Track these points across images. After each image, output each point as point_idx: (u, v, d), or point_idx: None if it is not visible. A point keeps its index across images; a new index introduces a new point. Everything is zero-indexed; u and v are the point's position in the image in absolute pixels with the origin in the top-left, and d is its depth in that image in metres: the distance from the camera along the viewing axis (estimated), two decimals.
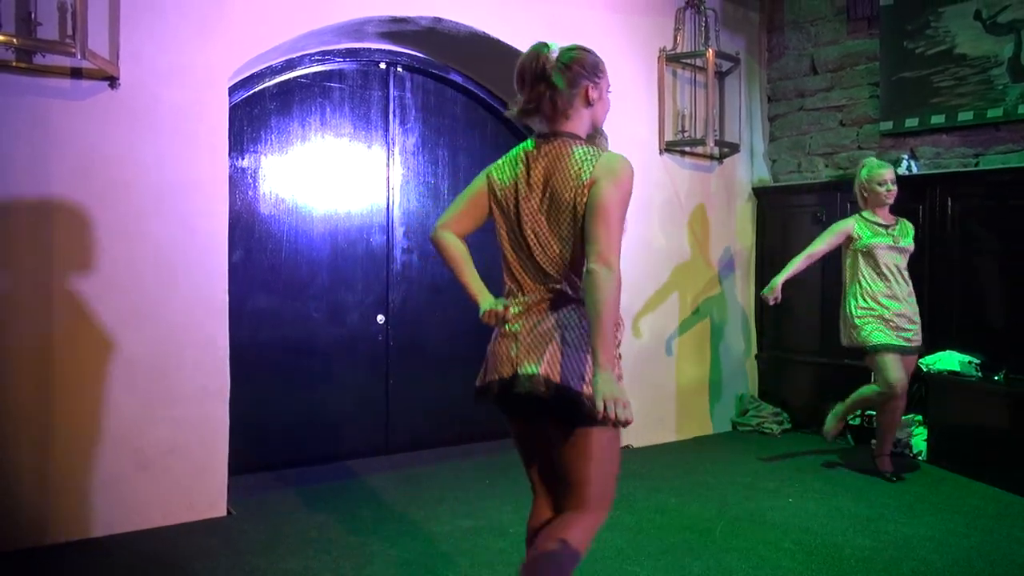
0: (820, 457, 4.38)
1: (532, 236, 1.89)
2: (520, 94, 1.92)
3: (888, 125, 4.88)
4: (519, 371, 1.83)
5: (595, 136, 2.08)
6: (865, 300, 3.89)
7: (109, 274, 3.07)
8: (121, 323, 3.09)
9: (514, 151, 1.99)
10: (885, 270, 3.88)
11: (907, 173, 4.70)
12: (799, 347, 5.16)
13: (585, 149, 1.87)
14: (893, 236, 3.92)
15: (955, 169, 4.62)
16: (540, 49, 1.89)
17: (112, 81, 3.04)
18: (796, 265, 4.00)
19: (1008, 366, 4.02)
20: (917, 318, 3.93)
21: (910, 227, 4.03)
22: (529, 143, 1.96)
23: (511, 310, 1.93)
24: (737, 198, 5.28)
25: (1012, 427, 3.77)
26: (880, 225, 3.93)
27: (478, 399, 1.97)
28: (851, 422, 4.75)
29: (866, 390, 3.94)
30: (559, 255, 1.86)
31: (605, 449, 1.85)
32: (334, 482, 3.83)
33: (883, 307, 3.86)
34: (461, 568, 2.79)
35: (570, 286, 1.87)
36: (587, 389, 1.77)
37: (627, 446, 4.57)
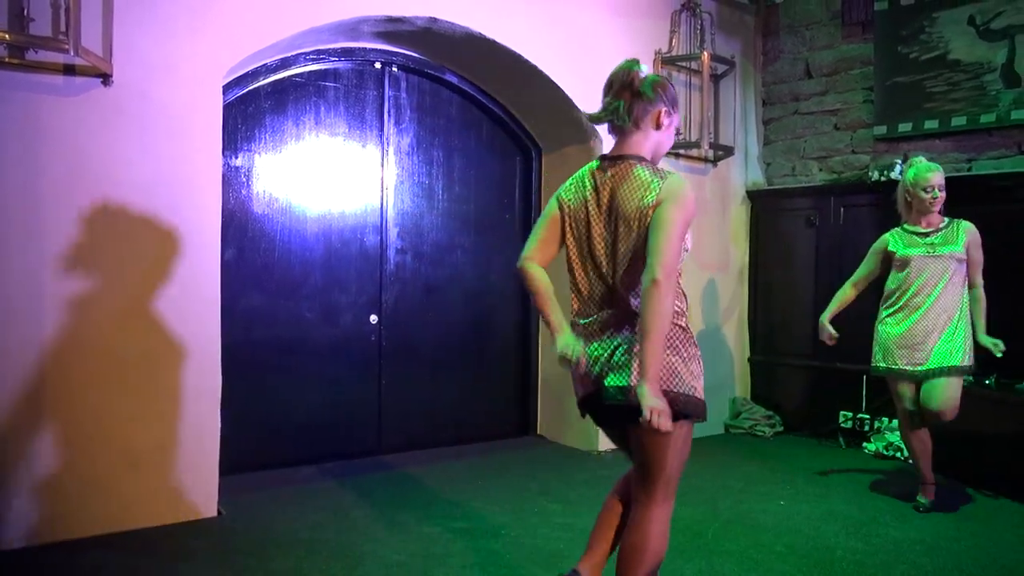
0: (812, 460, 4.39)
1: (601, 256, 2.03)
2: (604, 99, 2.10)
3: (882, 129, 4.90)
4: (605, 383, 2.00)
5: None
6: (880, 318, 3.60)
7: (100, 272, 3.05)
8: (111, 321, 3.08)
9: (581, 172, 2.13)
10: (916, 284, 3.47)
11: (900, 178, 4.71)
12: (792, 350, 5.17)
13: (650, 171, 2.00)
14: (930, 244, 3.50)
15: (948, 174, 4.63)
16: (632, 64, 2.08)
17: (105, 78, 3.02)
18: (843, 298, 3.72)
19: (999, 371, 4.03)
20: (948, 337, 3.45)
21: (962, 229, 3.54)
22: (595, 163, 2.09)
23: (580, 323, 2.12)
24: (731, 201, 5.29)
25: (1003, 432, 3.79)
26: (918, 234, 3.55)
27: (581, 409, 2.18)
28: (842, 425, 4.77)
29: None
30: (626, 273, 2.00)
31: (680, 444, 2.02)
32: (326, 482, 3.82)
33: (887, 326, 3.54)
34: (453, 569, 2.79)
35: (637, 302, 1.99)
36: (692, 393, 1.98)
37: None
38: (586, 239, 2.06)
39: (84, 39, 2.85)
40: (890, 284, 3.59)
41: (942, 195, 3.52)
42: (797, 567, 2.85)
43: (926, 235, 3.53)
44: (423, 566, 2.81)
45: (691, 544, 3.06)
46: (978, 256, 3.55)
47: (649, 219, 1.93)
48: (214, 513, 3.30)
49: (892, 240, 3.61)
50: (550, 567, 2.81)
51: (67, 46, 2.75)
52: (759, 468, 4.24)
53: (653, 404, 1.81)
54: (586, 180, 2.08)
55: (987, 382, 3.99)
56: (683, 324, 2.03)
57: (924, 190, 3.49)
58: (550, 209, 2.17)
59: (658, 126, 2.07)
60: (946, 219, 3.57)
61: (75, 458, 3.01)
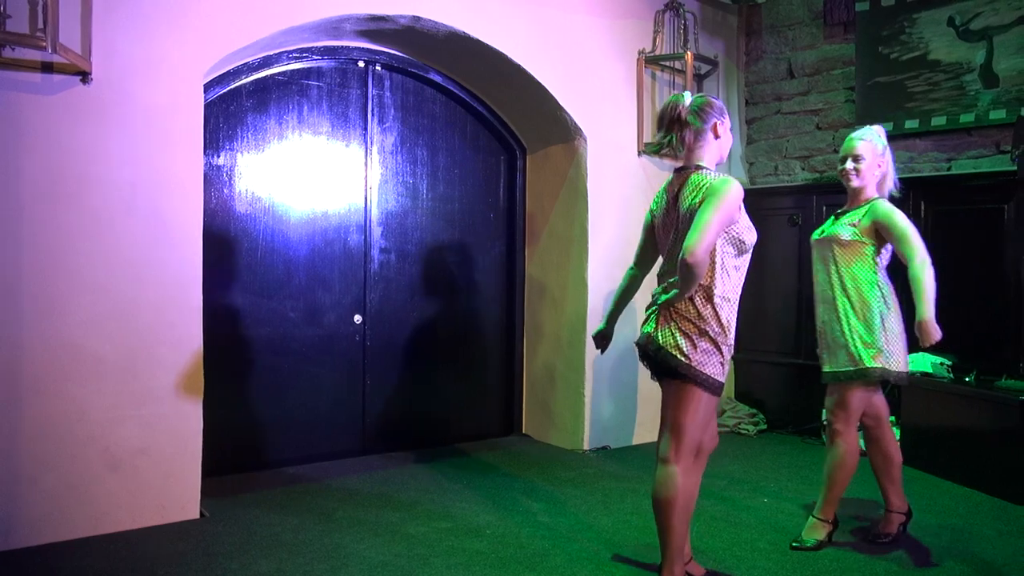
0: (795, 458, 4.42)
1: (671, 242, 2.53)
2: (658, 133, 2.55)
3: None
4: (642, 329, 2.56)
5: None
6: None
7: (79, 272, 3.02)
8: (91, 322, 3.04)
9: (664, 184, 2.65)
10: (815, 270, 3.12)
11: None
12: (775, 349, 5.20)
13: (702, 175, 2.45)
14: (824, 227, 3.13)
15: (928, 173, 4.69)
16: (678, 99, 2.51)
17: (84, 76, 2.99)
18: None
19: (979, 368, 4.08)
20: (838, 337, 2.99)
21: (864, 211, 3.01)
22: (671, 177, 2.60)
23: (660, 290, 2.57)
24: None
25: (982, 428, 3.83)
26: (837, 215, 3.13)
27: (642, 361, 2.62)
28: (825, 423, 4.80)
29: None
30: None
31: (697, 405, 2.44)
32: (309, 484, 3.80)
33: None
34: (437, 569, 2.78)
35: (700, 291, 2.44)
36: (682, 356, 2.40)
37: (605, 447, 4.58)
38: (662, 230, 2.58)
39: (62, 36, 2.82)
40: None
41: (853, 167, 3.01)
42: (780, 564, 2.87)
43: (836, 216, 3.11)
44: (407, 566, 2.80)
45: None
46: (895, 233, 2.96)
47: (695, 212, 2.37)
48: (196, 515, 3.28)
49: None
50: (535, 566, 2.81)
51: (44, 43, 2.72)
52: (743, 466, 4.26)
53: (655, 340, 2.42)
54: (664, 189, 2.60)
55: (967, 379, 4.04)
56: (712, 307, 2.40)
57: (840, 160, 3.09)
58: (645, 222, 2.74)
59: (716, 136, 2.51)
60: (869, 203, 3.03)
61: (54, 460, 2.97)
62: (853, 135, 3.10)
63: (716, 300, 2.41)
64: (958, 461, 3.95)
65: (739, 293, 2.50)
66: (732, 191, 2.37)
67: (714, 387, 2.46)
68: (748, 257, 2.52)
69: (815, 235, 3.15)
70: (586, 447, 4.55)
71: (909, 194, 4.63)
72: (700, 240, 2.28)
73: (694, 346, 2.40)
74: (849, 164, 3.05)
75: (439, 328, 4.60)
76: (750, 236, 2.46)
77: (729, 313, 2.46)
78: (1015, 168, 4.04)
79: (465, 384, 4.73)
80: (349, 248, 4.26)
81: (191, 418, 3.28)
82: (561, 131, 4.61)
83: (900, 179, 4.97)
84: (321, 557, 2.88)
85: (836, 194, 4.95)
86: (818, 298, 3.10)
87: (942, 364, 4.20)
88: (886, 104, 4.83)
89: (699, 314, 2.41)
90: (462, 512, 3.41)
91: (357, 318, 4.28)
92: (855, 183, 3.05)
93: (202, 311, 3.32)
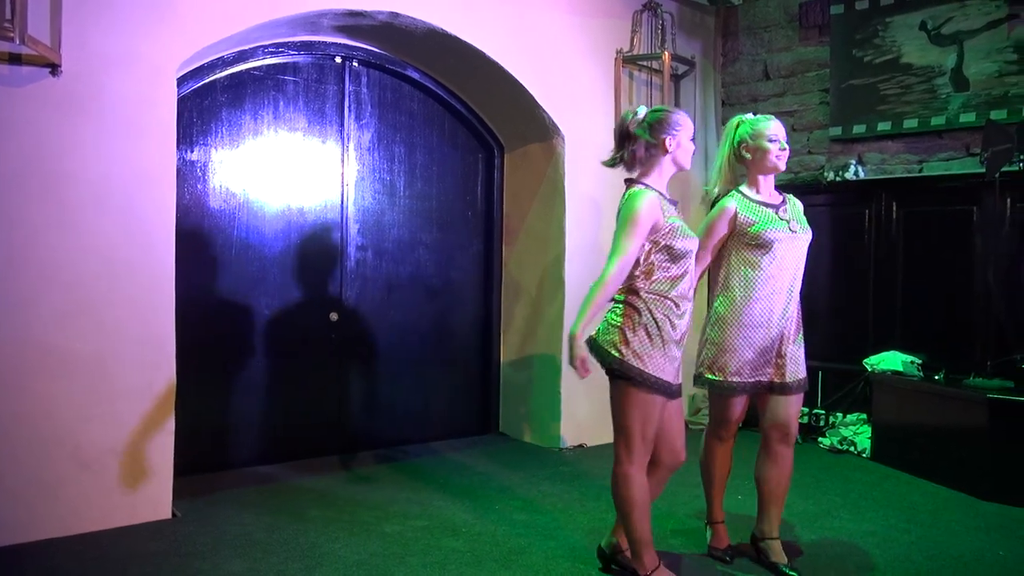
0: None
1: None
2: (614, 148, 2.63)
3: (837, 131, 5.00)
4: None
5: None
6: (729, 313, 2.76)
7: (48, 268, 2.96)
8: (61, 319, 2.99)
9: None
10: (782, 272, 2.71)
11: (854, 178, 4.83)
12: None
13: (629, 191, 2.54)
14: (789, 221, 2.75)
15: (900, 175, 4.76)
16: (626, 115, 2.59)
17: (54, 68, 2.93)
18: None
19: (948, 366, 4.15)
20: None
21: (799, 205, 2.86)
22: None
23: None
24: (691, 200, 5.34)
25: (951, 425, 3.90)
26: (767, 205, 2.75)
27: None
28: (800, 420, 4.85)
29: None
30: None
31: (633, 403, 2.45)
32: (283, 483, 3.76)
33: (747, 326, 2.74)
34: (413, 568, 2.77)
35: (624, 288, 2.53)
36: (615, 351, 2.45)
37: (581, 445, 4.60)
38: None
39: (31, 28, 2.76)
40: (745, 271, 2.75)
41: (788, 149, 2.78)
42: (755, 560, 2.89)
43: (776, 208, 2.76)
44: (382, 565, 2.79)
45: None
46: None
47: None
48: (168, 515, 3.23)
49: (741, 206, 2.75)
50: (510, 564, 2.82)
51: (12, 34, 2.66)
52: None
53: (577, 352, 2.43)
54: None
55: (936, 378, 4.10)
56: (645, 305, 2.45)
57: (770, 140, 2.71)
58: None
59: (666, 151, 2.53)
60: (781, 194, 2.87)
61: (23, 459, 2.91)
62: (769, 116, 2.80)
63: (645, 296, 2.45)
64: (927, 458, 4.01)
65: (687, 294, 2.51)
66: (637, 207, 2.43)
67: (654, 385, 2.45)
68: (689, 261, 2.51)
69: (781, 228, 2.71)
70: (562, 445, 4.56)
71: (882, 195, 4.70)
72: (609, 266, 2.43)
73: (626, 342, 2.43)
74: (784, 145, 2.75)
75: (416, 326, 4.58)
76: (682, 243, 2.48)
77: (668, 311, 2.46)
78: (984, 171, 4.11)
79: (442, 382, 4.72)
80: (325, 245, 4.23)
81: (163, 416, 3.23)
82: (539, 130, 4.61)
83: (873, 180, 5.01)
84: (295, 556, 2.86)
85: (812, 194, 5.01)
86: (784, 297, 2.74)
87: (912, 362, 4.26)
88: (860, 106, 4.89)
89: (636, 309, 2.45)
90: (438, 510, 3.40)
91: (333, 316, 4.25)
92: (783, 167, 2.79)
93: (175, 308, 3.27)
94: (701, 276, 2.83)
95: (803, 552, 2.99)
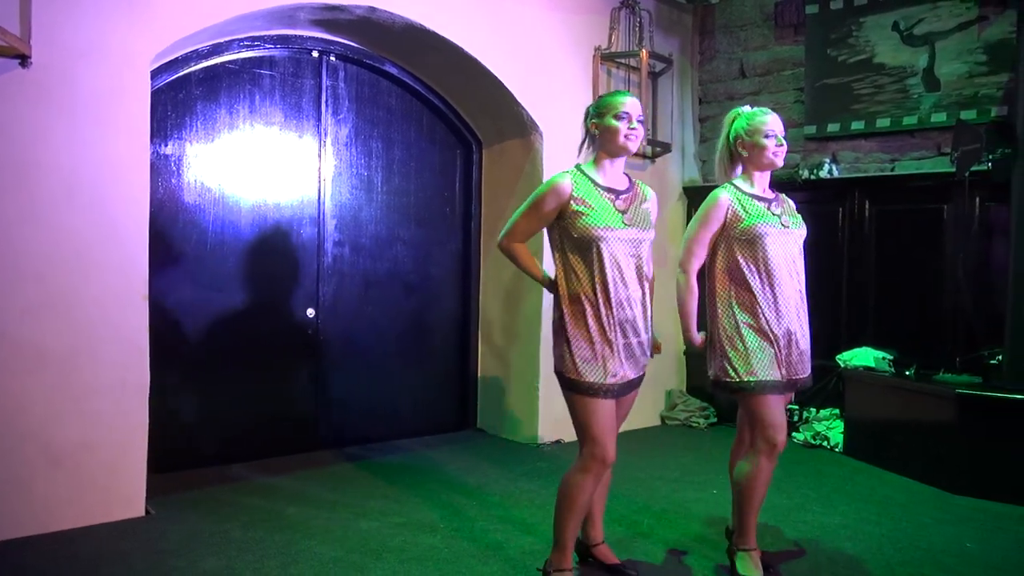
0: None
1: None
2: None
3: (812, 129, 5.06)
4: None
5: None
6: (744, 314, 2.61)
7: (19, 262, 2.91)
8: (30, 313, 2.94)
9: None
10: (775, 267, 2.59)
11: (829, 176, 4.89)
12: None
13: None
14: (780, 216, 2.66)
15: (873, 173, 4.83)
16: (589, 109, 2.55)
17: (23, 59, 2.88)
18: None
19: (919, 362, 4.22)
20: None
21: (791, 203, 2.80)
22: None
23: None
24: (669, 197, 5.38)
25: (921, 420, 3.96)
26: (760, 199, 2.66)
27: None
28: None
29: (743, 469, 2.63)
30: None
31: (572, 405, 2.42)
32: (259, 480, 3.74)
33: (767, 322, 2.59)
34: (390, 565, 2.76)
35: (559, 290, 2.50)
36: (553, 354, 2.47)
37: (558, 440, 4.62)
38: None
39: (0, 18, 2.71)
40: (747, 268, 2.63)
41: (786, 144, 2.70)
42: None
43: (769, 203, 2.68)
44: (360, 562, 2.78)
45: (627, 534, 3.11)
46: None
47: None
48: (142, 513, 3.20)
49: (736, 200, 2.65)
50: (488, 560, 2.82)
51: None
52: (694, 458, 4.34)
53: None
54: None
55: (907, 373, 4.17)
56: (567, 305, 2.41)
57: (766, 135, 2.63)
58: None
59: (594, 137, 2.50)
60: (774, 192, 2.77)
61: None
62: (766, 110, 2.71)
63: (562, 295, 2.43)
64: (899, 452, 4.08)
65: (613, 285, 2.35)
66: (542, 190, 2.43)
67: (575, 387, 2.37)
68: (610, 247, 2.34)
69: (772, 223, 2.62)
70: (540, 441, 4.58)
71: (855, 193, 4.77)
72: (506, 228, 2.53)
73: (555, 343, 2.46)
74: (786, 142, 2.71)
75: (393, 322, 4.57)
76: (585, 229, 2.33)
77: (583, 309, 2.37)
78: (954, 170, 4.19)
79: (419, 378, 4.71)
80: (302, 241, 4.20)
81: (136, 413, 3.19)
82: (517, 126, 4.61)
83: (847, 178, 5.06)
84: (271, 554, 2.84)
85: (787, 192, 5.06)
86: (782, 292, 2.61)
87: (884, 358, 4.33)
88: (834, 105, 4.95)
89: (561, 314, 2.43)
90: (416, 507, 3.40)
91: (310, 312, 4.22)
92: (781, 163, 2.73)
93: (148, 303, 3.23)
94: (699, 271, 2.70)
95: (777, 546, 3.03)
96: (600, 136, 2.47)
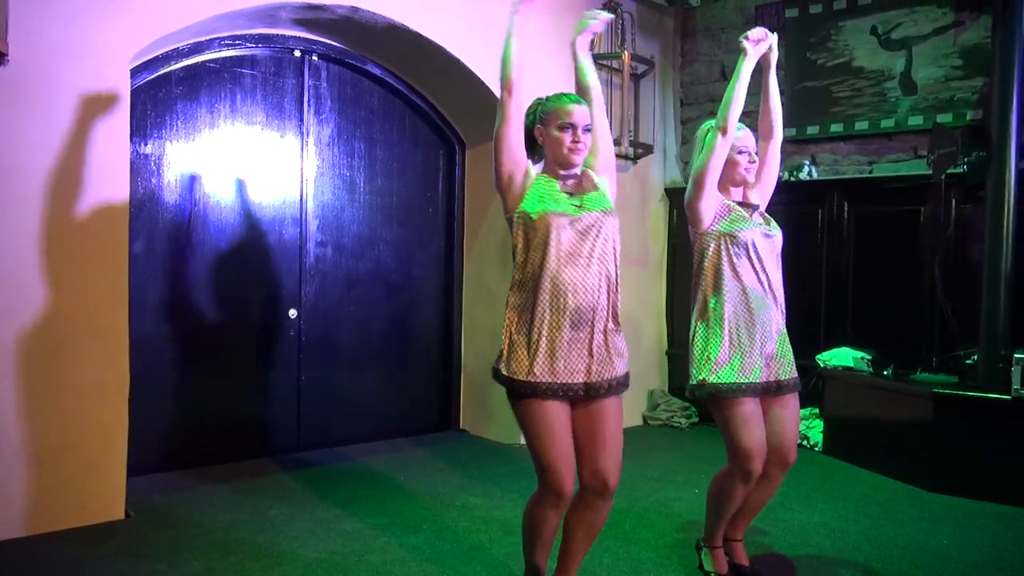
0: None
1: None
2: None
3: (791, 132, 5.10)
4: None
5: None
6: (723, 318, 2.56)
7: None
8: (6, 312, 2.90)
9: None
10: (756, 271, 2.58)
11: (808, 178, 4.94)
12: None
13: None
14: (760, 224, 2.67)
15: (851, 175, 4.89)
16: (531, 109, 2.35)
17: (0, 57, 2.84)
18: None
19: (896, 362, 4.28)
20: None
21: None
22: None
23: None
24: (651, 198, 5.41)
25: (899, 419, 4.02)
26: (742, 205, 2.69)
27: None
28: None
29: (718, 480, 2.64)
30: None
31: (521, 424, 2.22)
32: (241, 481, 3.71)
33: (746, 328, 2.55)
34: (373, 566, 2.76)
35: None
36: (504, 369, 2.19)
37: None
38: None
39: None
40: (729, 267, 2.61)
41: (757, 161, 2.80)
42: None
43: (751, 210, 2.70)
44: (343, 563, 2.77)
45: (609, 534, 3.12)
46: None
47: None
48: (122, 515, 3.16)
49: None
50: (471, 560, 2.82)
51: None
52: (676, 458, 4.36)
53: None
54: None
55: (885, 373, 4.23)
56: (517, 311, 2.17)
57: (738, 151, 2.75)
58: None
59: (538, 144, 2.29)
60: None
61: None
62: (740, 125, 2.79)
63: (516, 286, 2.17)
64: (877, 451, 4.13)
65: (562, 273, 2.11)
66: None
67: (510, 387, 2.14)
68: (559, 234, 2.10)
69: (756, 228, 2.63)
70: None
71: (834, 194, 4.83)
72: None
73: (506, 347, 2.17)
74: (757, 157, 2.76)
75: (376, 323, 4.56)
76: (540, 216, 2.12)
77: (528, 299, 2.12)
78: (930, 172, 4.25)
79: (402, 379, 4.70)
80: (284, 241, 4.18)
81: (115, 413, 3.16)
82: None
83: (825, 180, 5.13)
84: (253, 556, 2.82)
85: None
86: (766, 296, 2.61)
87: (862, 358, 4.39)
88: (813, 108, 5.01)
89: (508, 306, 2.19)
90: (398, 508, 3.40)
91: (292, 312, 4.20)
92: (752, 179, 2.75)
93: (128, 303, 3.20)
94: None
95: (756, 544, 3.06)
96: (544, 144, 2.26)
